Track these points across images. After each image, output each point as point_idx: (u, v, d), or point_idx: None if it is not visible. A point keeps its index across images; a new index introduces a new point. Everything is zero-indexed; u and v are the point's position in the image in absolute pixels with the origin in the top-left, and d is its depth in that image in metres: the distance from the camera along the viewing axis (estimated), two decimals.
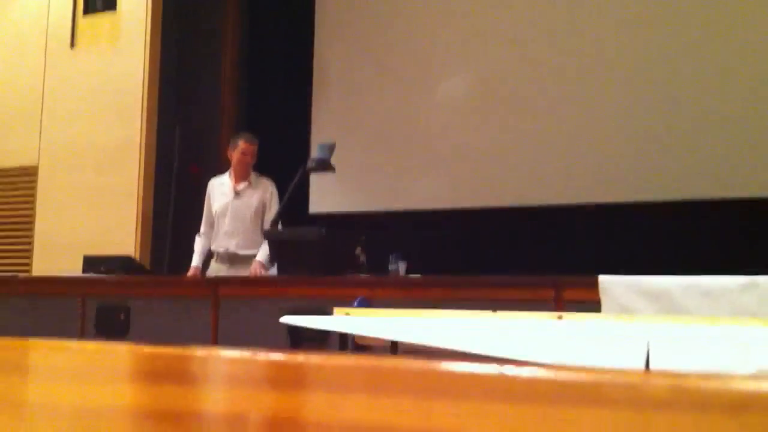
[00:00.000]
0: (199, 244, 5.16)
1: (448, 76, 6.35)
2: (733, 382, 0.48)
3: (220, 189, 5.11)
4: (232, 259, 5.02)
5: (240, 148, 4.98)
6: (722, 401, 0.45)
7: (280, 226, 4.51)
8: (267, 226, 4.76)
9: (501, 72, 6.17)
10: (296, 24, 6.95)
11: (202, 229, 5.18)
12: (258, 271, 4.75)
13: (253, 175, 5.07)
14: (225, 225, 5.05)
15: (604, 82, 5.83)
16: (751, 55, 5.44)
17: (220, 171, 5.32)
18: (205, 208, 5.18)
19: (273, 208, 4.94)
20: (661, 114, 5.63)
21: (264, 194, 5.04)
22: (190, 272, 5.01)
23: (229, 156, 5.07)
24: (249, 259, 4.92)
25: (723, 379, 0.48)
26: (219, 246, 5.09)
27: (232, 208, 5.04)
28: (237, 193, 5.04)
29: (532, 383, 0.49)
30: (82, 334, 4.30)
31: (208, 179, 5.30)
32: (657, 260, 4.93)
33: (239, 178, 5.04)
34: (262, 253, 4.80)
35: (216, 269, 5.07)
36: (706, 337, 1.85)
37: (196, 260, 5.10)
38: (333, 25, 6.83)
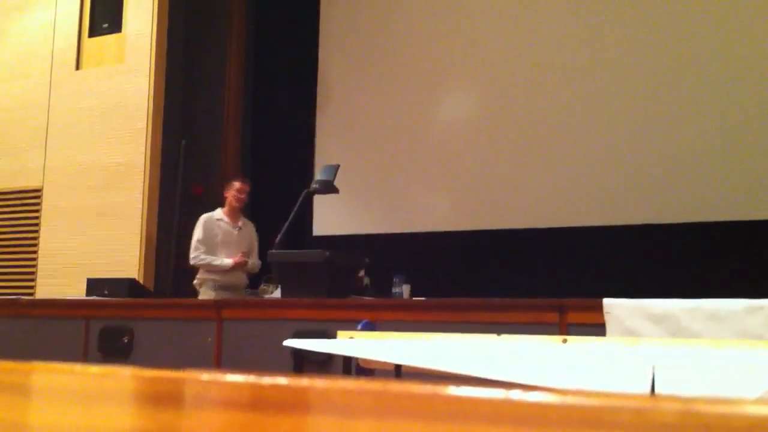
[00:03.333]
0: (209, 256, 5.29)
1: (453, 99, 6.37)
2: (741, 406, 0.48)
3: (218, 224, 5.39)
4: (226, 287, 5.24)
5: (236, 187, 5.40)
6: (730, 426, 0.45)
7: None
8: (253, 261, 5.37)
9: (505, 96, 6.20)
10: (301, 45, 6.99)
11: (202, 250, 5.29)
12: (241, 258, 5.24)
13: (242, 215, 5.51)
14: (225, 257, 5.30)
15: (607, 106, 5.85)
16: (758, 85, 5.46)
17: (222, 192, 5.44)
18: (201, 237, 5.31)
19: (256, 247, 5.48)
20: (664, 139, 5.64)
21: (252, 233, 5.52)
22: (238, 259, 5.24)
23: (225, 195, 5.44)
24: (242, 288, 5.32)
25: (730, 404, 0.48)
26: (217, 276, 5.28)
27: (235, 242, 5.36)
28: (239, 229, 5.41)
29: (538, 408, 0.49)
30: (85, 357, 4.29)
31: (211, 200, 5.41)
32: (661, 283, 4.92)
33: (235, 215, 5.43)
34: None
35: (209, 296, 5.17)
36: (712, 361, 1.84)
37: (225, 260, 5.26)
38: (337, 46, 6.87)
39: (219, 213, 5.43)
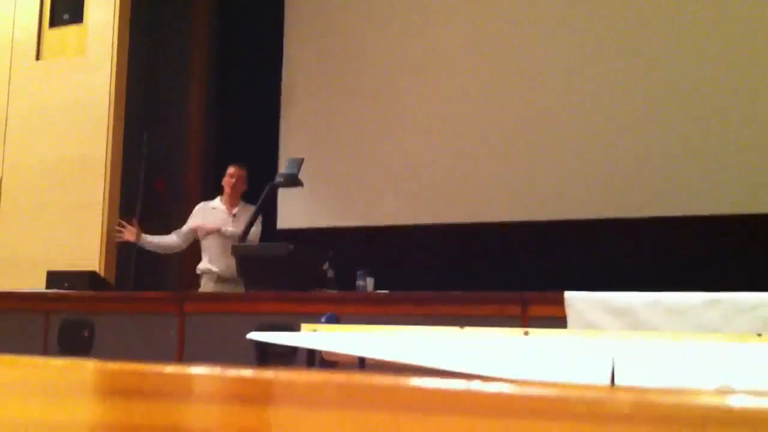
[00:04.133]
0: (164, 237, 5.23)
1: (419, 94, 6.37)
2: (696, 397, 0.49)
3: (213, 213, 5.21)
4: (228, 280, 5.01)
5: (228, 172, 5.20)
6: (685, 416, 0.46)
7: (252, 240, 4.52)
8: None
9: (472, 91, 6.21)
10: (266, 36, 6.94)
11: (176, 233, 5.22)
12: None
13: (241, 202, 5.23)
14: (219, 247, 5.08)
15: (569, 99, 5.89)
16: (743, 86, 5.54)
17: (186, 186, 5.33)
18: (187, 226, 5.22)
19: (256, 233, 5.06)
20: (628, 136, 5.70)
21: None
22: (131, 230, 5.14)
23: (222, 183, 5.26)
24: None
25: (686, 394, 0.49)
26: (212, 266, 5.09)
27: (230, 231, 5.10)
28: (234, 217, 5.15)
29: (498, 398, 0.49)
30: (45, 351, 4.23)
31: (173, 194, 5.29)
32: (623, 276, 4.98)
33: (232, 203, 5.20)
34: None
35: (208, 288, 5.07)
36: (670, 353, 1.88)
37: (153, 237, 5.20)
38: (303, 38, 6.83)
39: (216, 201, 5.26)
